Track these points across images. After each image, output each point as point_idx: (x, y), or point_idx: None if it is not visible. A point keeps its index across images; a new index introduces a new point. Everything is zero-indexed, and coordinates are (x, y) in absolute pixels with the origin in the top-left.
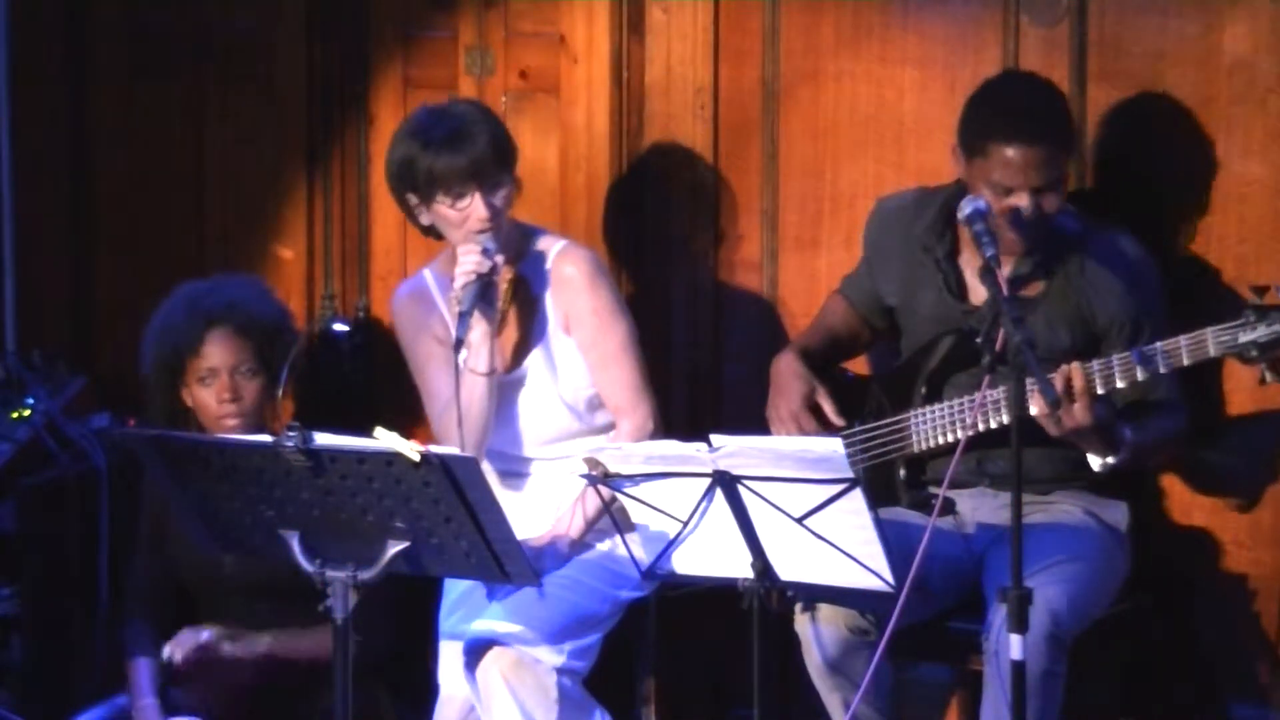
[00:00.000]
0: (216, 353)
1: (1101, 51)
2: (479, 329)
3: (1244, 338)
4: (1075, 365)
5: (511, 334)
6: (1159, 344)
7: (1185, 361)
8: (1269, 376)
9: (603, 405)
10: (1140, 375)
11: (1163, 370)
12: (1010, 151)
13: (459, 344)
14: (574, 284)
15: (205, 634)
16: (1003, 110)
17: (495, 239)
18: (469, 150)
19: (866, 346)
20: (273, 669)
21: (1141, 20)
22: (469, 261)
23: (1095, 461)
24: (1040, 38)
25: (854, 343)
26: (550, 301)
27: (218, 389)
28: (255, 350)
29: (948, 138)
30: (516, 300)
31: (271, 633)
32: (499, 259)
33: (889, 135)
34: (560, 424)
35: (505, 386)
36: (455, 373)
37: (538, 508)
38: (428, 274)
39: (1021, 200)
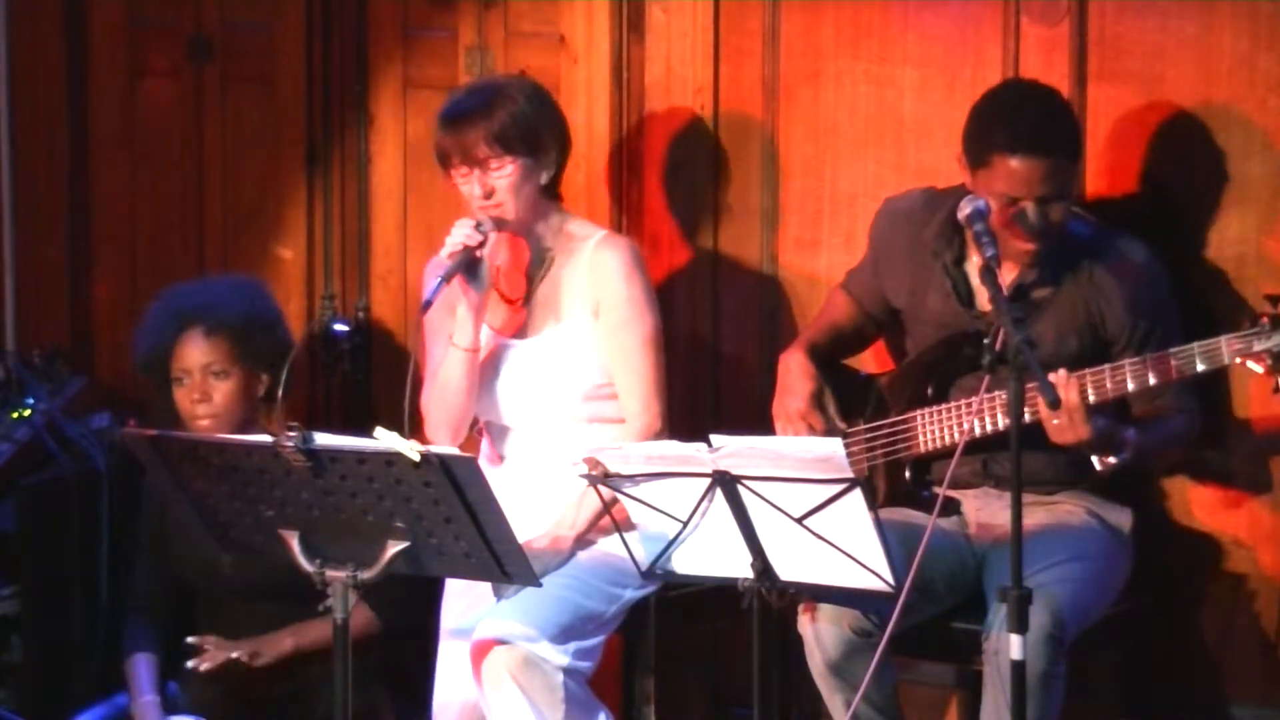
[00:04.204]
0: (187, 354)
1: (1101, 51)
2: (463, 304)
3: (1259, 346)
4: (1071, 380)
5: (534, 307)
6: (1172, 349)
7: (1199, 367)
8: None
9: (601, 401)
10: (1152, 380)
11: (1175, 376)
12: (1014, 163)
13: (427, 305)
14: (611, 270)
15: (235, 653)
16: (1006, 121)
17: (495, 216)
18: (466, 129)
19: (871, 342)
20: (295, 666)
21: (1141, 20)
22: (459, 234)
23: (1098, 462)
24: (1040, 38)
25: (859, 339)
26: (584, 286)
27: (189, 389)
28: (227, 351)
29: (948, 137)
30: (545, 276)
31: (289, 630)
32: (491, 235)
33: (889, 135)
34: (549, 403)
35: (508, 351)
36: (420, 333)
37: (536, 506)
38: None
39: (1027, 210)
